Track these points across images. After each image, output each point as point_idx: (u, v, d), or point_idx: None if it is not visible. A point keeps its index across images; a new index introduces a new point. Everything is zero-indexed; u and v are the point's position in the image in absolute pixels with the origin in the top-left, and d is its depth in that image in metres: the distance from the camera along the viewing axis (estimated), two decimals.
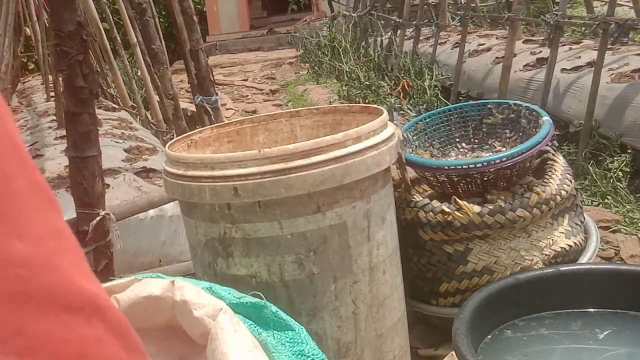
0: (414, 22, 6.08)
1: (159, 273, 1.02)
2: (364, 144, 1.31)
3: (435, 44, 5.81)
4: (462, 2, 6.28)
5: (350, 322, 1.38)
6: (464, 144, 2.09)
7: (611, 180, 2.91)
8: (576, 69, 3.80)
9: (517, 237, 1.73)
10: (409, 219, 1.78)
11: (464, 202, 1.71)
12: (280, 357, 0.91)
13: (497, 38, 5.37)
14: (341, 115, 1.69)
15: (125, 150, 3.15)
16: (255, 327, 0.96)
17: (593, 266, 1.47)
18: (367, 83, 5.79)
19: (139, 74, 4.74)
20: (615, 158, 3.02)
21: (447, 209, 1.72)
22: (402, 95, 5.19)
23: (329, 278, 1.35)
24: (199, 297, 0.95)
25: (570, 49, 4.22)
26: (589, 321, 1.24)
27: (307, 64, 8.66)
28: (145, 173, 2.79)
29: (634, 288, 1.23)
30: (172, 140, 1.55)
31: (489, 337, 1.22)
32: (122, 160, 2.95)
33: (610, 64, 3.48)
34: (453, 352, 1.14)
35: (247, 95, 7.56)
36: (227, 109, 6.31)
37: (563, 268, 1.32)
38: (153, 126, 4.26)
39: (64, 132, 3.05)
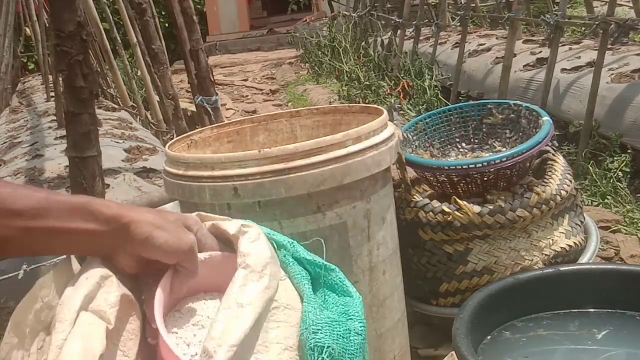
0: (414, 22, 6.08)
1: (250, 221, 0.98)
2: (364, 144, 1.31)
3: (435, 44, 5.81)
4: (462, 2, 6.28)
5: None
6: (464, 144, 2.09)
7: (611, 180, 2.91)
8: (576, 69, 3.80)
9: (517, 237, 1.73)
10: (409, 219, 1.78)
11: (464, 202, 1.71)
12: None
13: (497, 38, 5.38)
14: (341, 115, 1.69)
15: (125, 150, 3.15)
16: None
17: (593, 266, 1.47)
18: (367, 83, 5.79)
19: (139, 74, 4.75)
20: (615, 158, 3.02)
21: (447, 209, 1.72)
22: (402, 95, 5.19)
23: None
24: (250, 246, 0.89)
25: (570, 49, 4.22)
26: (586, 321, 1.23)
27: (307, 64, 8.66)
28: (145, 173, 2.79)
29: (634, 288, 1.22)
30: (172, 140, 1.54)
31: (489, 337, 1.22)
32: (122, 160, 2.95)
33: (610, 64, 3.48)
34: (453, 352, 1.14)
35: (247, 95, 7.57)
36: (227, 109, 6.32)
37: (563, 268, 1.32)
38: (153, 126, 4.27)
39: (64, 132, 3.05)
